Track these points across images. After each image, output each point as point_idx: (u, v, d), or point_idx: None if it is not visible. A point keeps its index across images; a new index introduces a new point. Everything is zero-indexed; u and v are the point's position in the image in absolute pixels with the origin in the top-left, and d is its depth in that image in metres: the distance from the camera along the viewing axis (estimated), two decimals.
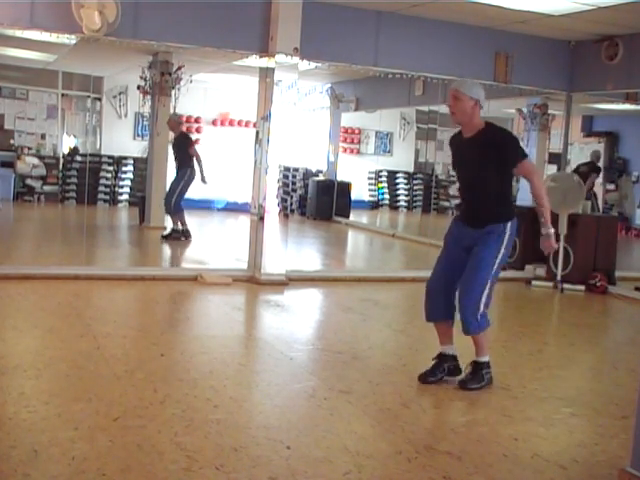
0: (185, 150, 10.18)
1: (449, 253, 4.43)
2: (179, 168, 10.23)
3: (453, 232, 4.45)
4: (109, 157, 14.16)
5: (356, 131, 16.50)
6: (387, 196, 16.31)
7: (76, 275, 6.92)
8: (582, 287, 8.14)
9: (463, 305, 4.28)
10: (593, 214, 9.36)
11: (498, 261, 4.26)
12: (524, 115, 10.51)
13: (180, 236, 10.17)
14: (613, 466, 3.25)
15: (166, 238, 10.16)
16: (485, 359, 4.37)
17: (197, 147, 10.39)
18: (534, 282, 8.36)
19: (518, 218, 4.34)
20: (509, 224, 4.24)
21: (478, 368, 4.37)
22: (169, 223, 10.95)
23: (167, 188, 10.41)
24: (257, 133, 7.55)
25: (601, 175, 13.02)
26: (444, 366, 4.44)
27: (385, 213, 16.18)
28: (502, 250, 4.25)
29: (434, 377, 4.40)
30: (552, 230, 4.23)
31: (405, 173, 16.34)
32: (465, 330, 4.32)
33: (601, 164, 12.95)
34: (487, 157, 4.17)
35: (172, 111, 10.84)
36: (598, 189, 13.15)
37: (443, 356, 4.47)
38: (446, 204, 15.48)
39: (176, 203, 10.17)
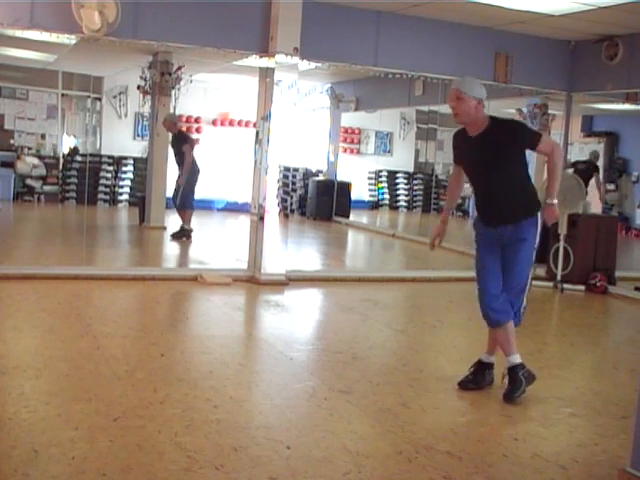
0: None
1: (486, 255, 4.28)
2: (180, 167, 10.27)
3: (482, 234, 4.32)
4: (109, 157, 14.15)
5: (356, 131, 16.49)
6: (387, 196, 16.30)
7: (76, 275, 6.92)
8: (582, 287, 8.15)
9: (511, 302, 4.26)
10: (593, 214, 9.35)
11: (534, 253, 4.25)
12: (524, 115, 10.49)
13: (182, 235, 10.19)
14: (613, 466, 3.26)
15: (174, 237, 10.19)
16: (515, 361, 4.25)
17: (195, 148, 10.41)
18: (534, 282, 8.35)
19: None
20: (539, 214, 4.20)
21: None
22: (169, 222, 10.97)
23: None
24: (257, 133, 7.55)
25: (600, 175, 13.00)
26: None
27: (385, 213, 16.18)
28: (536, 240, 4.21)
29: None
30: (555, 201, 4.13)
31: (405, 173, 16.33)
32: (515, 324, 4.30)
33: (600, 164, 12.94)
34: (503, 152, 4.09)
35: (172, 111, 10.85)
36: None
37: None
38: None
39: (187, 200, 10.22)
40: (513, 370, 4.21)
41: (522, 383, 4.17)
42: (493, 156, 4.12)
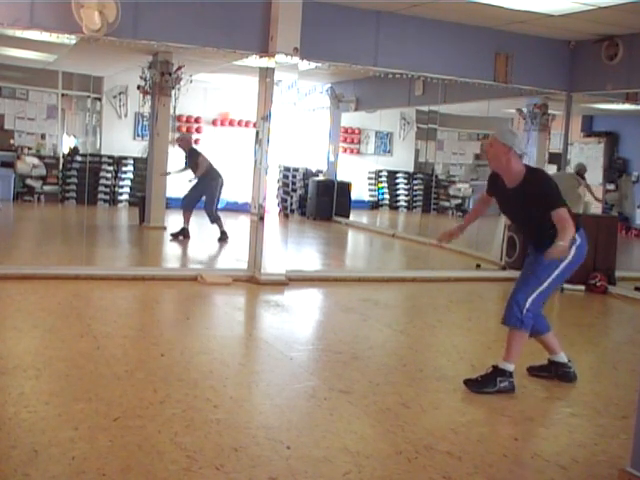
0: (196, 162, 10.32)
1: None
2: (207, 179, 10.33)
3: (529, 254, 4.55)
4: (109, 157, 14.15)
5: (356, 131, 16.49)
6: (387, 196, 16.30)
7: (76, 275, 6.92)
8: (582, 287, 8.14)
9: (511, 297, 4.34)
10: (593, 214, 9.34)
11: (558, 270, 4.29)
12: (524, 115, 10.50)
13: (224, 237, 10.29)
14: (613, 466, 3.26)
15: (221, 240, 10.31)
16: (506, 367, 4.30)
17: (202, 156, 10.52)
18: None
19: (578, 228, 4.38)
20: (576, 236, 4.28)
21: (495, 373, 4.31)
22: (169, 222, 10.97)
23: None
24: (257, 133, 7.55)
25: (601, 175, 13.03)
26: (552, 369, 4.66)
27: (385, 213, 16.18)
28: (565, 261, 4.27)
29: (536, 372, 4.68)
30: (562, 243, 4.06)
31: (405, 173, 16.33)
32: (504, 318, 4.34)
33: (599, 164, 12.97)
34: (532, 205, 4.23)
35: (172, 111, 10.87)
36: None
37: (553, 363, 4.67)
38: (446, 204, 15.47)
39: (215, 209, 10.38)
40: (497, 370, 4.29)
41: (490, 387, 4.24)
42: (521, 207, 4.31)
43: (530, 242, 4.52)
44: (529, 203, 4.23)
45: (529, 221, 4.40)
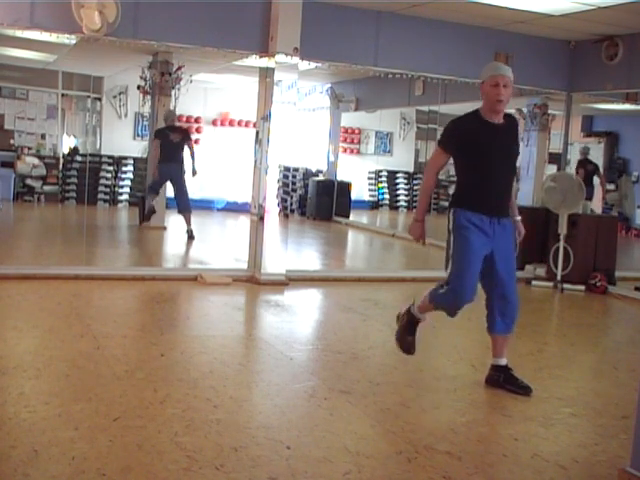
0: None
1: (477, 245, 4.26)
2: (182, 163, 10.27)
3: (472, 224, 4.23)
4: (109, 157, 14.13)
5: (356, 131, 16.48)
6: (387, 196, 16.30)
7: (76, 275, 6.92)
8: (582, 287, 8.15)
9: (514, 302, 4.33)
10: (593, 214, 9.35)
11: None
12: (524, 115, 10.50)
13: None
14: (613, 466, 3.25)
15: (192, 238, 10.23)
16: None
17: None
18: (534, 282, 8.36)
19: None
20: None
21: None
22: (169, 222, 10.97)
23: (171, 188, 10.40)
24: (257, 133, 7.55)
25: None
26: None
27: (385, 213, 16.17)
28: None
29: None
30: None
31: (405, 173, 16.33)
32: (511, 327, 4.42)
33: (600, 163, 13.02)
34: (517, 146, 4.24)
35: (171, 108, 10.89)
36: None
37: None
38: (446, 204, 15.45)
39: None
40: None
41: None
42: (514, 147, 4.20)
43: (494, 207, 4.15)
44: (517, 141, 4.18)
45: (510, 171, 4.20)
